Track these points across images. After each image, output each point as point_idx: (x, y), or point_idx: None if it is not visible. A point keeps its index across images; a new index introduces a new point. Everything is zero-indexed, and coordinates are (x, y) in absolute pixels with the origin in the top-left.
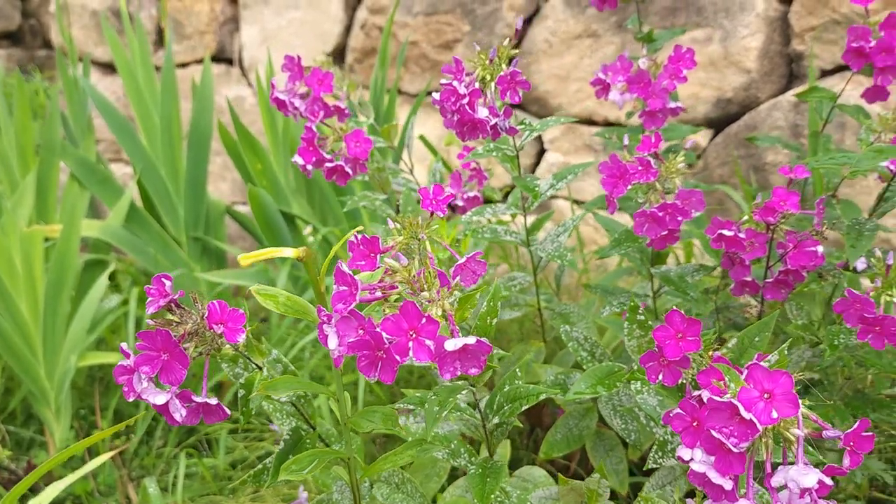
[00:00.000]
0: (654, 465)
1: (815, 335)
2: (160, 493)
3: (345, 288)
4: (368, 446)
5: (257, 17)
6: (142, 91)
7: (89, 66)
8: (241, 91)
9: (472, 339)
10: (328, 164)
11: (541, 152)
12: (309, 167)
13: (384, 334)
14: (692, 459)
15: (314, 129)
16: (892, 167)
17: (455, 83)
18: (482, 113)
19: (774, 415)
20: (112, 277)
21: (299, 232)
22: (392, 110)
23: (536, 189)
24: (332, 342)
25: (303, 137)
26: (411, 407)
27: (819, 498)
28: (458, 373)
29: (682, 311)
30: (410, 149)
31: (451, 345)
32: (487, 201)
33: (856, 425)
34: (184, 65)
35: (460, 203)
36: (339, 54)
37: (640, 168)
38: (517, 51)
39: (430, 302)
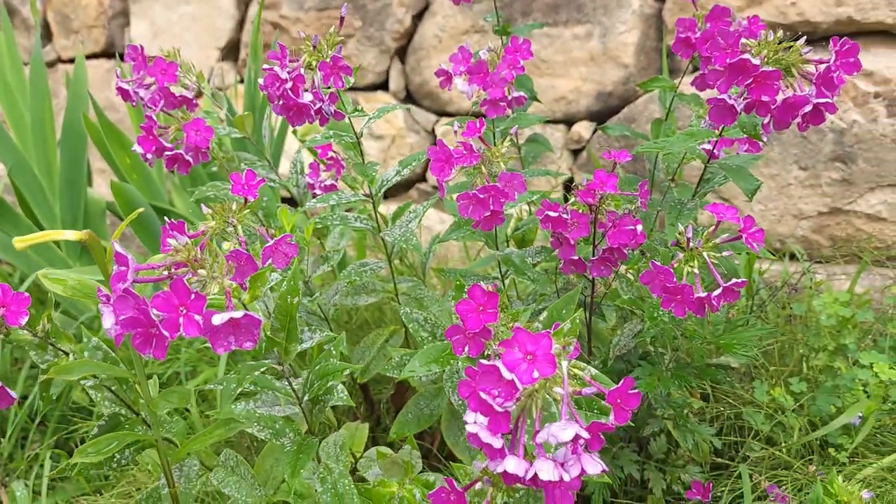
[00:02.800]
0: None
1: (643, 309)
2: (29, 496)
3: (123, 268)
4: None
5: (147, 12)
6: (10, 87)
7: None
8: None
9: (238, 313)
10: (168, 153)
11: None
12: (149, 156)
13: (154, 311)
14: (474, 422)
15: (153, 117)
16: (715, 150)
17: (277, 68)
18: (306, 98)
19: (536, 374)
20: None
21: None
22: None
23: (374, 175)
24: (108, 321)
25: (142, 126)
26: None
27: (593, 452)
28: (233, 347)
29: (523, 288)
30: (268, 138)
31: (218, 319)
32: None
33: (621, 383)
34: (72, 60)
35: (318, 192)
36: (232, 50)
37: (464, 152)
38: (342, 37)
39: (212, 279)
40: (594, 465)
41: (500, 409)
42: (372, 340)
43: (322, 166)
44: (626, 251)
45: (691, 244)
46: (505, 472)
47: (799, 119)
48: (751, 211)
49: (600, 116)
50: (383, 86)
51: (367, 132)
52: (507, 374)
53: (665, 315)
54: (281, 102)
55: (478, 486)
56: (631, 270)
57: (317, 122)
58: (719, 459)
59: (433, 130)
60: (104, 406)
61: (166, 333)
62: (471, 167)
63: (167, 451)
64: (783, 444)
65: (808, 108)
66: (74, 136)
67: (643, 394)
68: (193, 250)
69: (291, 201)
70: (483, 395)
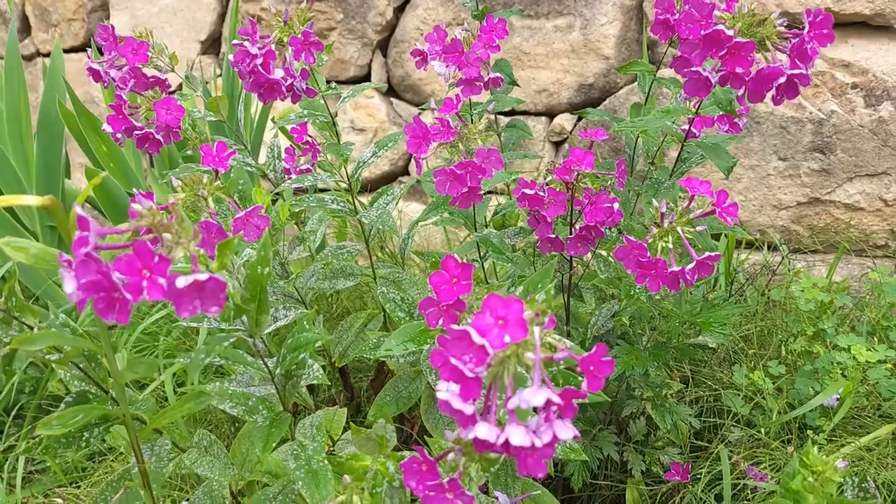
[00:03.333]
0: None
1: (620, 287)
2: (4, 489)
3: (85, 233)
4: None
5: (127, 4)
6: None
7: None
8: None
9: (203, 276)
10: (138, 132)
11: None
12: (119, 135)
13: (117, 274)
14: (446, 390)
15: (124, 96)
16: (693, 128)
17: (247, 44)
18: (277, 74)
19: (507, 339)
20: None
21: None
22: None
23: (347, 155)
24: (70, 286)
25: (111, 105)
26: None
27: (566, 419)
28: (199, 311)
29: (504, 272)
30: (242, 122)
31: (182, 281)
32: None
33: (594, 350)
34: (50, 54)
35: (294, 177)
36: (214, 43)
37: (440, 128)
38: (313, 13)
39: (177, 244)
40: (566, 431)
41: (470, 375)
42: (350, 323)
43: (298, 151)
44: (603, 229)
45: (665, 220)
46: (476, 438)
47: (773, 92)
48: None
49: (581, 108)
50: (365, 79)
51: (349, 126)
52: (477, 339)
53: (642, 293)
54: (252, 79)
55: (450, 457)
56: (609, 252)
57: (295, 105)
58: (698, 442)
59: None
60: (73, 385)
61: (129, 297)
62: (448, 143)
63: (137, 428)
64: (762, 427)
65: (782, 80)
66: (51, 125)
67: (622, 375)
68: (159, 215)
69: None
70: (454, 361)
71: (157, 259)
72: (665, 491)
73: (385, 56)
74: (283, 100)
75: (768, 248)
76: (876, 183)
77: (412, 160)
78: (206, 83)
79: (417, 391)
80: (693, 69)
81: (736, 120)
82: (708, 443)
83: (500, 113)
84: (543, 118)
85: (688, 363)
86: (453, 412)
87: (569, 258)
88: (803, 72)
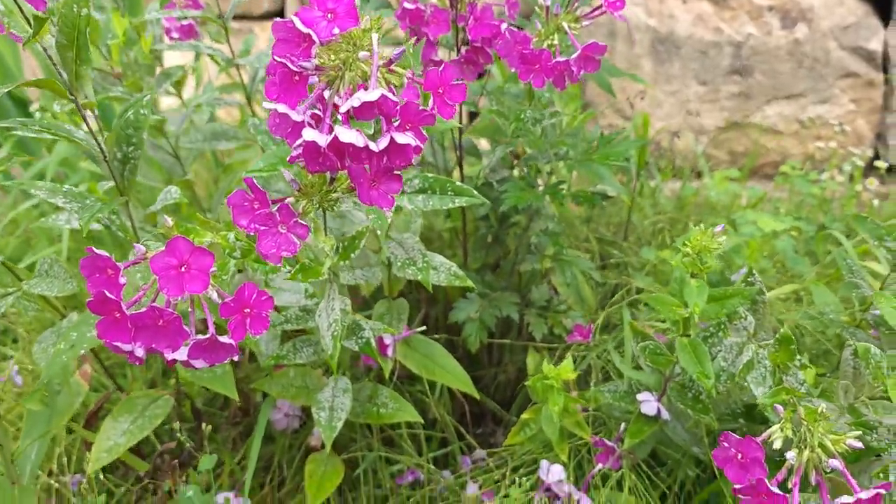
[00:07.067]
0: None
1: (509, 118)
2: None
3: None
4: None
5: None
6: None
7: None
8: None
9: None
10: None
11: None
12: None
13: None
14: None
15: None
16: None
17: None
18: None
19: (336, 31)
20: None
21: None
22: None
23: None
24: None
25: None
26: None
27: (413, 156)
28: None
29: None
30: None
31: None
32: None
33: (442, 68)
34: None
35: (176, 35)
36: None
37: None
38: None
39: None
40: (404, 137)
41: (295, 69)
42: (228, 182)
43: (180, 3)
44: (490, 51)
45: (550, 15)
46: (305, 145)
47: None
48: (652, 128)
49: None
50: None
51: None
52: (302, 28)
53: (532, 123)
54: None
55: (289, 200)
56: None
57: None
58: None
59: None
60: None
61: None
62: None
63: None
64: None
65: None
66: None
67: (523, 234)
68: None
69: None
70: (277, 58)
71: None
72: (566, 352)
73: None
74: None
75: (695, 175)
76: (793, 105)
77: None
78: None
79: None
80: None
81: None
82: (619, 321)
83: None
84: None
85: (597, 243)
86: (282, 127)
87: None
88: None
